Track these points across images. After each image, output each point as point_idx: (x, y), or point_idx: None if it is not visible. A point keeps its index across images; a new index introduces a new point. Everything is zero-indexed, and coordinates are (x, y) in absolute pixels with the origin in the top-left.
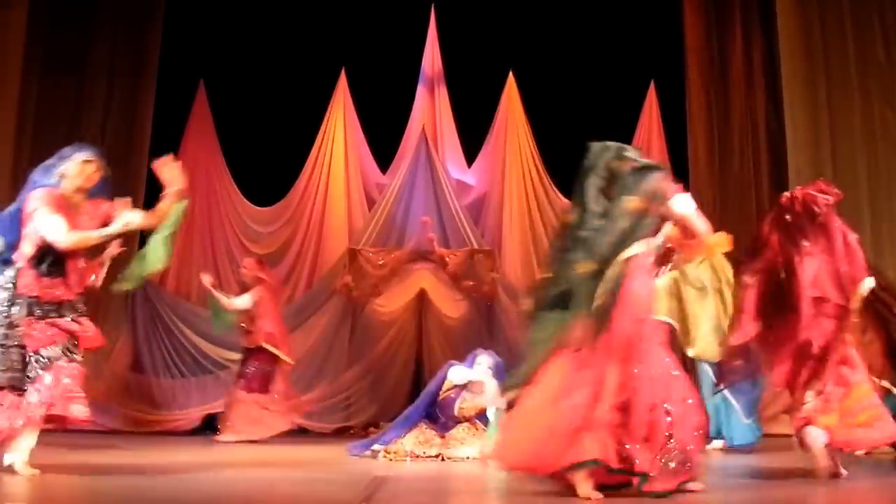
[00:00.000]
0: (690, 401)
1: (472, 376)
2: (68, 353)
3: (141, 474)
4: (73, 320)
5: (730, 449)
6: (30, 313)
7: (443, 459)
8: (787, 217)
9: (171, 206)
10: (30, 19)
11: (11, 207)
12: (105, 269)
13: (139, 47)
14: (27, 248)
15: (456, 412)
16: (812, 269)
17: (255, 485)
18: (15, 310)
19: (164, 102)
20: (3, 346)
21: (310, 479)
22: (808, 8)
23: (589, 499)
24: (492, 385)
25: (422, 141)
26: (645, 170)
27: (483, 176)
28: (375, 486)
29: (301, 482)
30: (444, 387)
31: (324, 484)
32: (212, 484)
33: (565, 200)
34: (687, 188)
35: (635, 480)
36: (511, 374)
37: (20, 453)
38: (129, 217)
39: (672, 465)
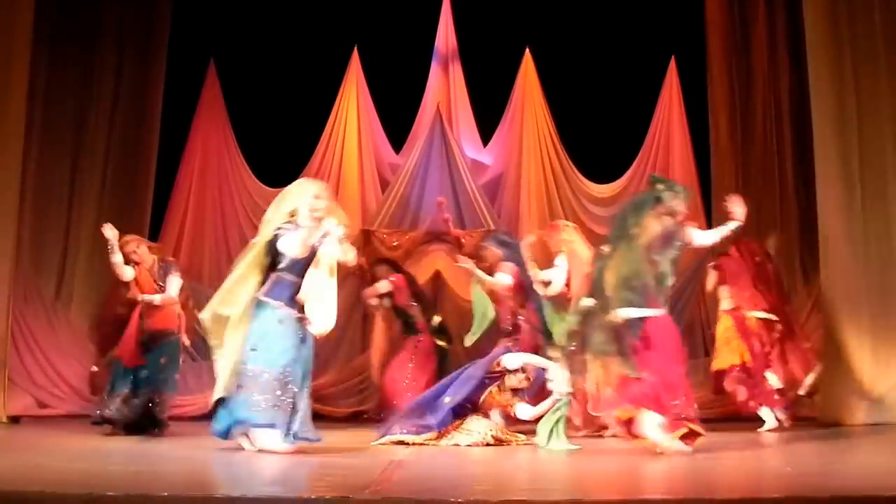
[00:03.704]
0: None
1: (535, 361)
2: None
3: (154, 459)
4: None
5: None
6: None
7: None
8: None
9: None
10: None
11: None
12: None
13: (149, 26)
14: None
15: (481, 399)
16: None
17: (268, 469)
18: None
19: (175, 82)
20: None
21: (323, 464)
22: None
23: None
24: (560, 374)
25: (436, 120)
26: None
27: (499, 155)
28: (390, 470)
29: (315, 466)
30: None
31: (338, 468)
32: (224, 468)
33: (584, 179)
34: (708, 165)
35: None
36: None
37: None
38: None
39: None
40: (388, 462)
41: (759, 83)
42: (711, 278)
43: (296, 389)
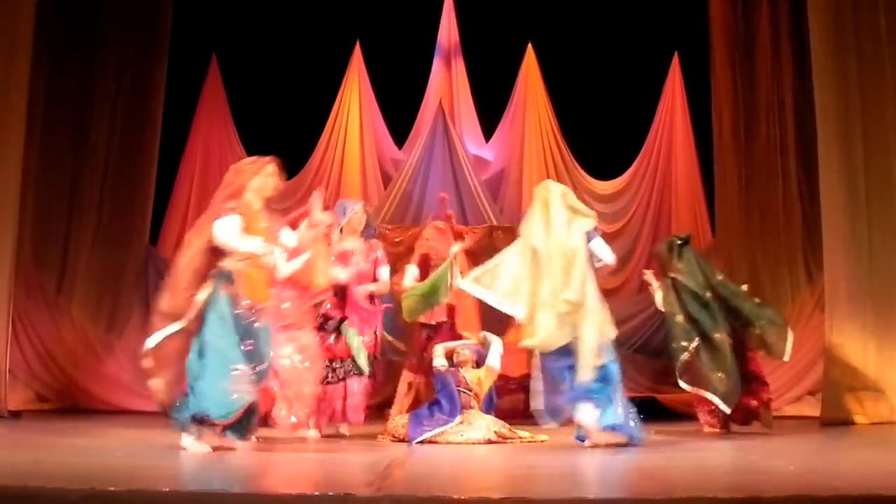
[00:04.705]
0: None
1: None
2: None
3: (155, 454)
4: None
5: None
6: None
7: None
8: None
9: None
10: None
11: None
12: None
13: (150, 20)
14: None
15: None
16: None
17: (270, 465)
18: None
19: (177, 77)
20: None
21: (325, 460)
22: None
23: None
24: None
25: (438, 115)
26: None
27: (502, 151)
28: (392, 467)
29: (316, 463)
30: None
31: (340, 465)
32: (225, 464)
33: (586, 175)
34: (711, 161)
35: None
36: None
37: None
38: None
39: None
40: (389, 459)
41: (763, 79)
42: None
43: None
